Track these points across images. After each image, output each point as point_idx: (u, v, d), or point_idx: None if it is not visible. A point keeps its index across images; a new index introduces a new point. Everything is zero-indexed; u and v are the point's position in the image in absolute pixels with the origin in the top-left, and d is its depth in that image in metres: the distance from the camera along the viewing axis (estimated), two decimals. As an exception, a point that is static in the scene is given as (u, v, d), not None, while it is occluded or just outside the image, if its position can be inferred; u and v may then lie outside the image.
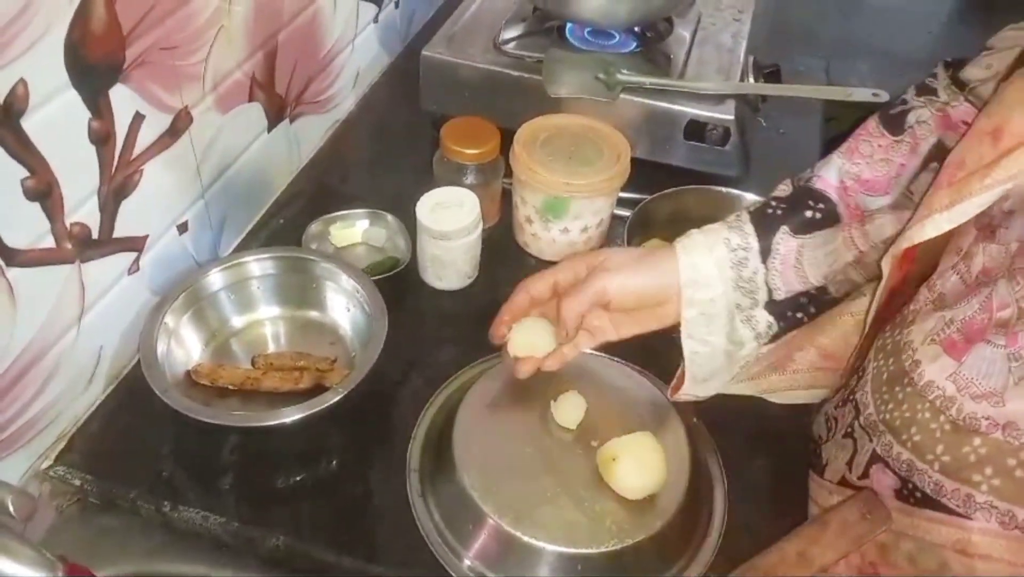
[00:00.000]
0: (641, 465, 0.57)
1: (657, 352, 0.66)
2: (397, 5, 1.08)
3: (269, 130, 0.83)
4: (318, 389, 0.64)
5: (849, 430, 0.56)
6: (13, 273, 0.54)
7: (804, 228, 0.59)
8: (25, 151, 0.52)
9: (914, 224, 0.51)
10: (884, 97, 0.79)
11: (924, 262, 0.55)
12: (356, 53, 0.98)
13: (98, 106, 0.57)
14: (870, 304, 0.58)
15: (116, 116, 0.59)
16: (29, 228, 0.55)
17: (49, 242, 0.57)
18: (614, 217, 0.83)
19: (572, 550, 0.55)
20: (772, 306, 0.59)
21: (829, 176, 0.60)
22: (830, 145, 0.62)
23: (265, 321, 0.73)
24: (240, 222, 0.83)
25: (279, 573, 0.60)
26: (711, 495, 0.63)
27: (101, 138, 0.59)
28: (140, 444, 0.65)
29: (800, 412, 0.67)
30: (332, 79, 0.94)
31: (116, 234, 0.63)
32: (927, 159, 0.57)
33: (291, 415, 0.59)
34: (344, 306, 0.72)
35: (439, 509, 0.59)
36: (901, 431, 0.50)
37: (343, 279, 0.71)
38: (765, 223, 0.59)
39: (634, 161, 0.79)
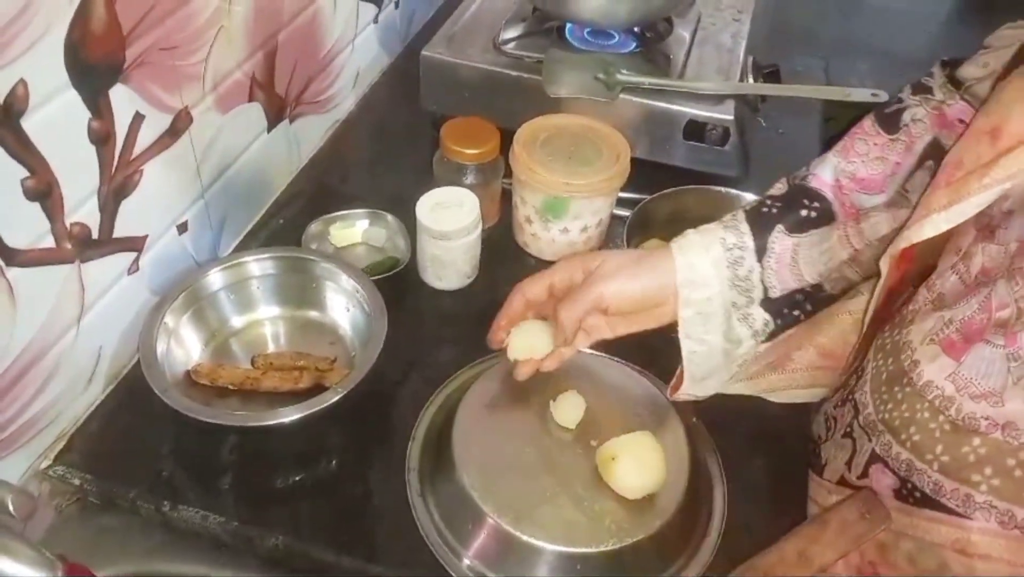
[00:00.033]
0: (640, 465, 0.57)
1: (657, 352, 0.66)
2: (397, 5, 1.08)
3: (269, 130, 0.83)
4: (318, 389, 0.65)
5: (848, 430, 0.56)
6: (13, 273, 0.54)
7: (799, 227, 0.59)
8: (25, 151, 0.52)
9: (912, 224, 0.51)
10: (883, 97, 0.79)
11: (922, 261, 0.55)
12: (356, 53, 0.98)
13: (98, 106, 0.57)
14: (868, 303, 0.58)
15: (116, 116, 0.59)
16: (29, 228, 0.55)
17: (49, 242, 0.57)
18: (614, 217, 0.83)
19: (571, 549, 0.55)
20: (768, 303, 0.59)
21: (824, 175, 0.60)
22: (829, 145, 0.62)
23: (265, 321, 0.73)
24: (240, 222, 0.83)
25: (279, 573, 0.60)
26: (710, 495, 0.63)
27: (101, 138, 0.59)
28: (140, 444, 0.65)
29: (799, 412, 0.67)
30: (332, 79, 0.94)
31: (116, 234, 0.64)
32: (922, 157, 0.57)
33: (290, 415, 0.59)
34: (344, 306, 0.72)
35: (439, 509, 0.60)
36: (900, 431, 0.50)
37: (343, 279, 0.71)
38: (761, 222, 0.59)
39: (634, 161, 0.79)
